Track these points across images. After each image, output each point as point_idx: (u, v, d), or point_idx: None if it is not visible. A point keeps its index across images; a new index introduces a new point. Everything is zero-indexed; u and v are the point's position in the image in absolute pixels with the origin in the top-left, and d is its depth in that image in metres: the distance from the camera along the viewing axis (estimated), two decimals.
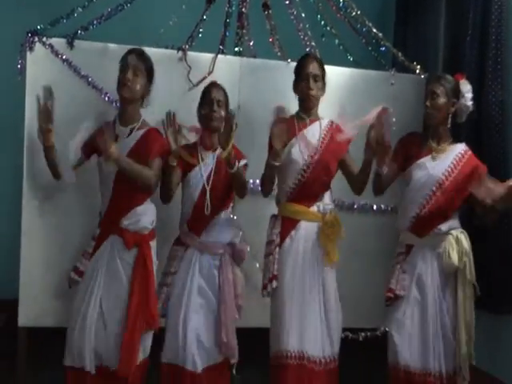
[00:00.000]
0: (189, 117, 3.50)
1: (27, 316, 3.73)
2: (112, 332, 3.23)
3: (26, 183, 3.73)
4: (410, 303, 3.42)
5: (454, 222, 3.46)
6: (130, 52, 3.29)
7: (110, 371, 3.23)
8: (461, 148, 3.47)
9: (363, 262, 3.90)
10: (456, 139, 3.60)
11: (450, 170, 3.41)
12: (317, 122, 3.50)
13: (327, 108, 3.61)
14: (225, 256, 3.44)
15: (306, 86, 3.42)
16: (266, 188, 3.49)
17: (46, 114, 3.21)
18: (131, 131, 3.30)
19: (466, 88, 3.46)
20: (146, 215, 3.31)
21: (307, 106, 3.48)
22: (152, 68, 3.33)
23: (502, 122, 3.91)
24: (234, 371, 3.67)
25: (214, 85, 3.47)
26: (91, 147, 3.30)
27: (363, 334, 4.03)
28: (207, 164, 3.43)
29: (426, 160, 3.44)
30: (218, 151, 3.42)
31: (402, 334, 3.43)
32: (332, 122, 3.53)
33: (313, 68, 3.43)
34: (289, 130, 3.41)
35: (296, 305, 3.40)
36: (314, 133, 3.47)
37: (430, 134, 3.49)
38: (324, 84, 3.50)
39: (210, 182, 3.39)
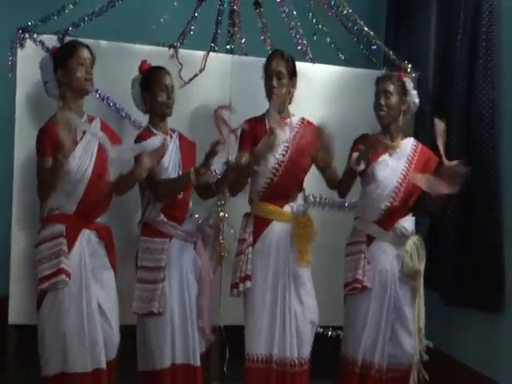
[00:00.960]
0: (180, 114, 3.51)
1: (17, 313, 3.72)
2: (115, 325, 3.29)
3: (16, 180, 3.71)
4: (372, 297, 3.44)
5: (413, 224, 3.53)
6: (80, 45, 3.26)
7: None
8: (412, 142, 3.57)
9: (337, 258, 3.81)
10: (447, 137, 3.57)
11: (408, 163, 3.48)
12: (287, 120, 3.50)
13: (318, 106, 3.63)
14: (198, 242, 3.48)
15: (270, 83, 3.44)
16: (235, 191, 3.54)
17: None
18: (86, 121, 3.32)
19: (411, 85, 3.57)
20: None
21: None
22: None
23: (492, 120, 3.91)
24: (225, 369, 3.72)
25: (162, 69, 3.47)
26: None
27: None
28: (173, 149, 3.43)
29: (384, 158, 3.48)
30: (174, 135, 3.47)
31: (361, 323, 3.46)
32: (303, 119, 3.55)
33: (276, 65, 3.43)
34: (259, 127, 3.44)
35: (268, 306, 3.42)
36: (283, 130, 3.42)
37: (382, 132, 3.54)
38: (291, 80, 3.48)
39: (181, 168, 3.41)
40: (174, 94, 3.44)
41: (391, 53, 4.33)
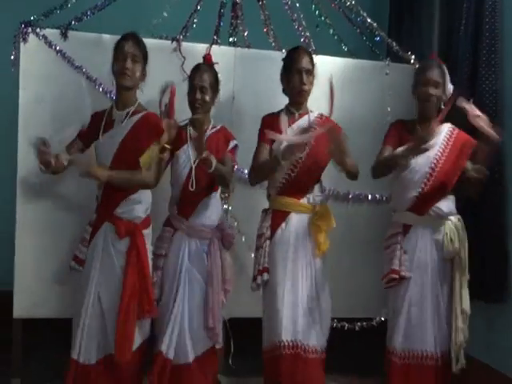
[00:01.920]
0: (184, 106, 3.48)
1: (22, 307, 3.72)
2: (111, 321, 3.23)
3: (19, 174, 3.71)
4: (411, 286, 3.42)
5: (451, 204, 3.48)
6: (125, 39, 3.25)
7: (111, 359, 3.25)
8: (447, 127, 3.51)
9: (358, 252, 3.89)
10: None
11: (442, 148, 3.44)
12: (306, 116, 3.51)
13: (321, 97, 3.58)
14: (213, 240, 3.44)
15: (300, 81, 3.42)
16: (257, 179, 3.50)
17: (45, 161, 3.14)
18: (127, 114, 3.29)
19: (447, 75, 3.51)
20: (140, 204, 3.30)
21: (299, 101, 3.49)
22: (147, 52, 3.32)
23: (495, 110, 3.90)
24: (231, 361, 3.74)
25: (199, 69, 3.45)
26: (88, 136, 3.31)
27: (359, 323, 4.07)
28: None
29: None
30: (210, 131, 3.45)
31: (404, 313, 3.44)
32: (322, 115, 3.52)
33: (306, 63, 3.43)
34: (277, 123, 3.39)
35: (288, 296, 3.39)
36: (303, 126, 3.46)
37: (420, 121, 3.45)
38: (313, 77, 3.49)
39: (197, 161, 3.35)
40: (207, 96, 3.40)
41: (394, 44, 4.32)
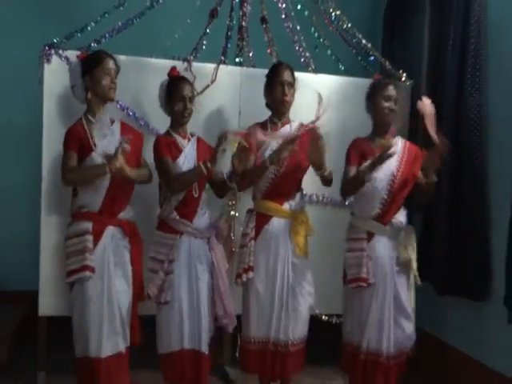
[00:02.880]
0: (194, 120, 3.57)
1: (47, 306, 3.80)
2: (126, 311, 3.32)
3: (44, 183, 3.78)
4: (375, 289, 3.44)
5: (404, 215, 3.53)
6: (108, 56, 3.31)
7: (123, 354, 3.31)
8: (400, 140, 3.55)
9: (337, 252, 3.76)
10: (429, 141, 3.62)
11: (400, 158, 3.46)
12: (287, 125, 3.55)
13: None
14: (212, 237, 3.49)
15: (282, 92, 3.47)
16: (245, 185, 3.57)
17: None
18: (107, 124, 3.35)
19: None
20: (130, 206, 3.40)
21: (281, 111, 3.54)
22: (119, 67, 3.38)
23: (479, 123, 3.95)
24: (237, 354, 3.76)
25: (181, 80, 3.49)
26: (79, 149, 3.26)
27: (335, 319, 4.12)
28: (189, 151, 3.46)
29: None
30: (192, 139, 3.50)
31: (364, 314, 3.46)
32: (302, 124, 3.54)
33: (287, 76, 3.48)
34: (263, 133, 3.48)
35: (267, 293, 3.46)
36: (285, 135, 3.47)
37: (377, 134, 3.52)
38: (294, 90, 3.53)
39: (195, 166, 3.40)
40: (193, 104, 3.46)
41: (387, 63, 4.36)
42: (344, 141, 3.66)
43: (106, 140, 3.28)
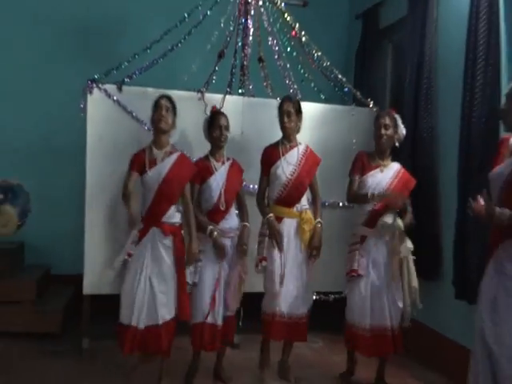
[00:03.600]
0: (205, 140, 3.55)
1: (90, 286, 3.78)
2: (162, 297, 3.24)
3: (88, 189, 3.75)
4: (369, 278, 3.42)
5: (393, 216, 3.46)
6: (161, 97, 3.32)
7: (157, 328, 3.23)
8: (397, 165, 3.53)
9: (333, 244, 3.83)
10: (396, 156, 3.66)
11: (391, 180, 3.45)
12: (295, 148, 3.52)
13: (306, 133, 3.68)
14: (234, 238, 3.45)
15: (282, 120, 3.47)
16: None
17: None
18: (165, 154, 3.30)
19: (399, 120, 3.51)
20: (176, 213, 3.32)
21: (285, 135, 3.52)
22: (175, 108, 3.35)
23: (431, 141, 3.98)
24: (240, 324, 3.75)
25: (219, 114, 3.48)
26: (140, 169, 3.28)
27: (332, 295, 4.11)
28: (221, 173, 3.43)
29: (376, 172, 3.46)
30: (227, 163, 3.47)
31: (358, 299, 3.44)
32: (307, 147, 3.55)
33: (286, 106, 3.45)
34: (274, 153, 3.49)
35: (279, 275, 3.43)
36: (292, 156, 3.49)
37: (377, 153, 3.50)
38: (298, 117, 3.49)
39: (224, 187, 3.40)
40: (227, 132, 3.43)
41: (358, 93, 4.35)
42: (325, 155, 3.66)
43: (155, 169, 3.26)
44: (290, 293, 3.47)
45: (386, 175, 3.47)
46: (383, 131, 3.43)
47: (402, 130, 3.51)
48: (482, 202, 2.50)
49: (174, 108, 3.34)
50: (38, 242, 4.75)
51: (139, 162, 3.28)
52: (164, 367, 3.36)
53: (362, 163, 3.51)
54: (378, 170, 3.48)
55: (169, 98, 3.34)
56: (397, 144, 3.50)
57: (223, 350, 3.59)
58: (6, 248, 4.21)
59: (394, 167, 3.52)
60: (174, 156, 3.31)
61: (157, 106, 3.30)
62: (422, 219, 3.86)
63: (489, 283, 2.54)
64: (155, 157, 3.29)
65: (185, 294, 3.32)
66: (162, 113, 3.26)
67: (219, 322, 3.39)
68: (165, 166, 3.27)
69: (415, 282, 3.44)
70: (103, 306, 3.67)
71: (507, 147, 2.61)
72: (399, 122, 3.50)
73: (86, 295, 3.85)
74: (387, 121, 3.45)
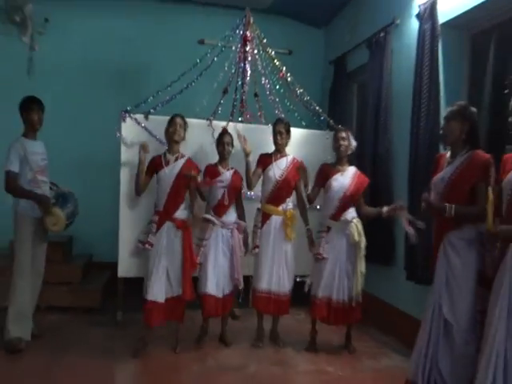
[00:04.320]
0: (214, 159, 3.58)
1: (124, 269, 3.79)
2: (175, 276, 3.28)
3: (122, 195, 3.76)
4: (330, 260, 3.41)
5: (354, 212, 3.46)
6: (176, 115, 3.38)
7: (173, 299, 3.25)
8: (354, 169, 3.53)
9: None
10: (363, 168, 3.69)
11: (351, 181, 3.44)
12: (284, 158, 3.56)
13: (290, 151, 3.70)
14: (234, 229, 3.45)
15: (275, 138, 3.53)
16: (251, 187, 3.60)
17: (144, 152, 3.35)
18: (176, 158, 3.34)
19: (351, 136, 3.52)
20: (185, 210, 3.35)
21: (277, 149, 3.57)
22: (187, 124, 3.40)
23: (387, 158, 3.99)
24: (240, 299, 3.75)
25: (224, 134, 3.52)
26: (152, 171, 3.34)
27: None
28: (226, 178, 3.44)
29: (337, 176, 3.45)
30: (231, 170, 3.48)
31: (322, 278, 3.40)
32: (294, 158, 3.57)
33: (279, 127, 3.51)
34: (268, 159, 3.53)
35: (268, 261, 3.47)
36: (282, 163, 3.53)
37: (337, 161, 3.50)
38: (288, 135, 3.53)
39: (228, 188, 3.42)
40: (230, 147, 3.46)
41: (331, 121, 4.37)
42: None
43: (170, 167, 3.32)
44: (275, 275, 3.47)
45: (346, 177, 3.45)
46: (341, 142, 3.44)
47: (353, 143, 3.52)
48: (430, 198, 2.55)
49: (185, 124, 3.38)
50: (84, 236, 4.78)
51: (154, 164, 3.33)
52: (179, 333, 3.37)
53: (325, 172, 3.49)
54: (338, 174, 3.46)
55: (182, 117, 3.38)
56: (349, 152, 3.49)
57: (226, 320, 3.60)
58: (58, 241, 4.24)
59: (352, 170, 3.51)
60: (184, 158, 3.36)
61: (172, 122, 3.34)
62: (381, 220, 3.82)
63: (440, 268, 2.54)
64: (168, 159, 3.34)
65: (189, 277, 3.29)
66: (177, 128, 3.32)
67: (220, 295, 3.40)
68: (178, 164, 3.31)
69: (363, 268, 3.42)
70: (133, 287, 3.70)
71: (444, 160, 2.65)
72: (351, 137, 3.51)
73: (120, 278, 3.85)
74: (343, 135, 3.45)
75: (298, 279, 3.72)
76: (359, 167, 3.66)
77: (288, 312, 3.58)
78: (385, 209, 3.30)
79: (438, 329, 2.51)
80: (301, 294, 3.59)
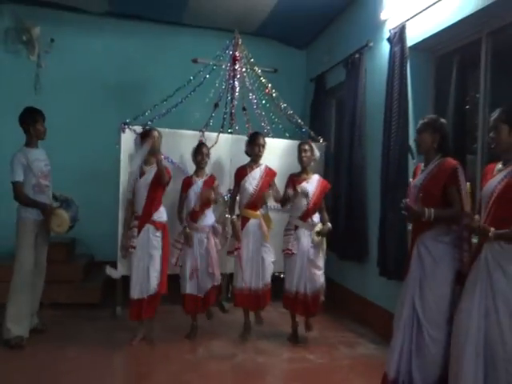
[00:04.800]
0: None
1: (121, 269, 3.71)
2: (154, 273, 3.25)
3: (121, 198, 3.74)
4: (298, 256, 3.39)
5: (317, 216, 3.47)
6: (152, 129, 3.30)
7: (151, 295, 3.24)
8: (317, 176, 3.53)
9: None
10: (338, 176, 3.71)
11: (315, 186, 3.45)
12: (258, 168, 3.53)
13: (274, 160, 3.74)
14: (209, 233, 3.41)
15: (258, 150, 3.48)
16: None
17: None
18: (151, 167, 3.29)
19: (315, 147, 3.52)
20: (163, 213, 3.32)
21: (256, 160, 3.52)
22: (161, 136, 3.32)
23: (362, 167, 4.00)
24: (229, 294, 3.77)
25: (202, 145, 3.47)
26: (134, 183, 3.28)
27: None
28: (197, 185, 3.40)
29: (303, 183, 3.44)
30: (204, 178, 3.44)
31: (293, 272, 3.40)
32: (266, 167, 3.54)
33: (260, 141, 3.48)
34: (243, 171, 3.51)
35: (248, 261, 3.45)
36: (257, 173, 3.50)
37: (303, 170, 3.50)
38: (265, 147, 3.50)
39: (199, 195, 3.38)
40: (207, 158, 3.45)
41: (312, 133, 4.39)
42: (285, 175, 3.65)
43: (145, 176, 3.28)
44: (254, 273, 3.45)
45: (312, 184, 3.45)
46: (303, 154, 3.44)
47: (317, 154, 3.52)
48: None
49: (160, 137, 3.29)
50: (86, 237, 4.74)
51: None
52: (151, 324, 3.35)
53: (292, 181, 3.48)
54: (304, 182, 3.46)
55: (157, 131, 3.30)
56: (312, 162, 3.49)
57: (210, 312, 3.59)
58: (62, 242, 4.19)
59: (316, 178, 3.51)
60: (155, 168, 3.27)
61: (149, 135, 3.23)
62: (355, 219, 3.88)
63: (414, 266, 2.50)
64: (144, 170, 3.30)
65: (166, 273, 3.27)
66: (154, 140, 3.22)
67: (200, 293, 3.38)
68: (151, 172, 3.27)
69: (322, 264, 3.45)
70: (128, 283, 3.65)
71: (419, 170, 2.64)
72: (315, 148, 3.51)
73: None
74: (306, 147, 3.44)
75: (282, 276, 3.71)
76: (336, 175, 3.68)
77: (268, 304, 3.55)
78: (326, 228, 3.40)
79: (412, 327, 2.44)
80: (282, 288, 3.59)
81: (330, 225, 3.44)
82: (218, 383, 2.83)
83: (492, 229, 2.07)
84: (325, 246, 3.48)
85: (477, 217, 2.26)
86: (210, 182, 3.49)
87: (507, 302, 2.02)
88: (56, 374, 2.86)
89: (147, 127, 3.64)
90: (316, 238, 3.39)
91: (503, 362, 2.00)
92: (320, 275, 3.43)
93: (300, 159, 3.48)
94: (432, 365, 2.35)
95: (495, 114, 2.22)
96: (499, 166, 2.24)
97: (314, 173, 3.57)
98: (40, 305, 3.44)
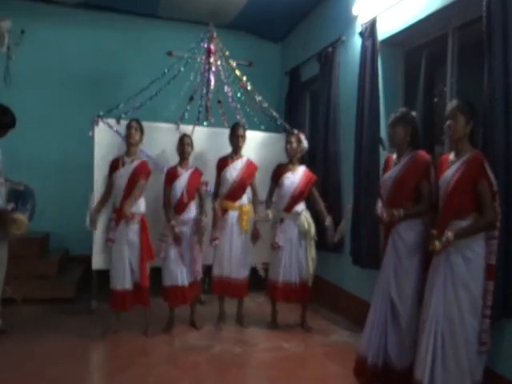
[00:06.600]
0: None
1: (97, 262, 3.69)
2: (136, 265, 3.23)
3: (95, 192, 3.62)
4: (285, 249, 3.43)
5: (303, 205, 3.49)
6: (132, 120, 3.31)
7: (137, 285, 3.23)
8: (303, 167, 3.54)
9: (264, 229, 3.66)
10: (314, 166, 3.70)
11: (300, 177, 3.46)
12: (240, 159, 3.52)
13: (251, 151, 3.71)
14: (192, 226, 3.38)
15: (237, 141, 3.47)
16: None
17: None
18: (132, 160, 3.28)
19: (303, 139, 3.56)
20: (141, 205, 3.26)
21: (237, 151, 3.52)
22: (143, 128, 3.32)
23: (335, 158, 4.01)
24: (206, 286, 3.73)
25: (185, 135, 3.44)
26: (112, 171, 3.30)
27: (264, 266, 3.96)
28: (184, 177, 3.36)
29: (289, 174, 3.46)
30: (190, 170, 3.39)
31: (279, 263, 3.42)
32: (248, 159, 3.54)
33: (240, 131, 3.48)
34: (225, 162, 3.48)
35: (226, 250, 3.45)
36: (238, 164, 3.48)
37: (289, 162, 3.51)
38: (245, 138, 3.50)
39: (186, 187, 3.35)
40: (190, 148, 3.40)
41: (287, 125, 4.35)
42: (263, 167, 3.65)
43: (125, 168, 3.26)
44: (233, 263, 3.45)
45: (297, 175, 3.46)
46: (289, 146, 3.47)
47: (305, 145, 3.54)
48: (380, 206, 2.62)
49: (141, 128, 3.30)
50: (60, 231, 4.65)
51: (113, 166, 3.29)
52: (147, 316, 3.32)
53: (278, 171, 3.51)
54: (289, 172, 3.47)
55: (137, 121, 3.29)
56: (299, 154, 3.50)
57: (195, 305, 3.55)
58: (35, 237, 4.10)
59: (301, 169, 3.52)
60: (138, 161, 3.27)
61: (128, 126, 3.28)
62: (329, 209, 3.86)
63: (389, 255, 2.54)
64: (125, 161, 3.27)
65: (146, 266, 3.24)
66: (132, 131, 3.25)
67: (186, 283, 3.34)
68: (132, 166, 3.24)
69: (313, 253, 3.47)
70: (106, 278, 3.57)
71: (391, 161, 2.68)
72: (303, 139, 3.53)
73: (94, 270, 3.76)
74: (292, 139, 3.49)
75: (260, 266, 3.71)
76: (312, 166, 3.69)
77: (247, 294, 3.56)
78: (328, 220, 3.44)
79: (386, 313, 2.50)
80: (260, 280, 3.59)
81: (330, 218, 3.47)
82: (194, 374, 2.80)
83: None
84: (312, 237, 3.48)
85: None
86: (197, 176, 3.44)
87: (466, 285, 2.15)
88: (32, 369, 2.75)
89: (121, 120, 3.61)
90: (303, 228, 3.43)
91: (462, 342, 2.12)
92: (307, 265, 3.43)
93: (286, 150, 3.50)
94: (409, 350, 2.41)
95: (453, 104, 2.29)
96: (451, 157, 2.31)
97: (300, 163, 3.57)
98: (12, 301, 3.31)
